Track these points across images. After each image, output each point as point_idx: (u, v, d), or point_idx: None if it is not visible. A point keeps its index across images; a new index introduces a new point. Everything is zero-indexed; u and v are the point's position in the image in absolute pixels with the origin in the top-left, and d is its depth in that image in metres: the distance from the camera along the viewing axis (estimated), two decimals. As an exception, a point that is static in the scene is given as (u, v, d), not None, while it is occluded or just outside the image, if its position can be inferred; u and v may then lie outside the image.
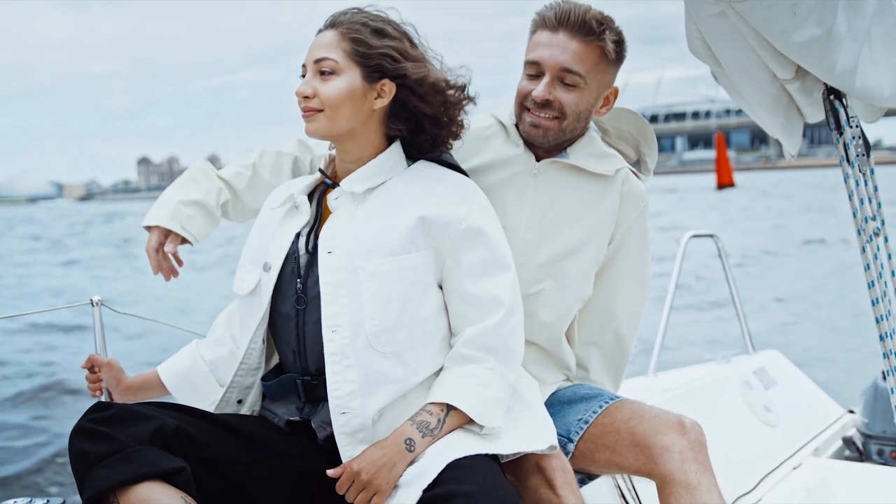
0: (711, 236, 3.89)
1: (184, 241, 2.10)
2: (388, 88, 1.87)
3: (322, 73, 1.85)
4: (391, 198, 1.89)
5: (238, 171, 2.21)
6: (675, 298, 3.75)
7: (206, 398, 2.19)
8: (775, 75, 1.79)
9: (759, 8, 1.51)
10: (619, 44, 2.05)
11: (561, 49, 2.00)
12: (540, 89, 2.02)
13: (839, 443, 3.79)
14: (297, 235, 1.92)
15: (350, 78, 1.84)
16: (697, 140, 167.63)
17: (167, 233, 2.06)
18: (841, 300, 12.97)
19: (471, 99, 1.97)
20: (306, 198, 1.96)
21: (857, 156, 1.92)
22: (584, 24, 1.99)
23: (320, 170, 2.01)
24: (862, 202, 1.93)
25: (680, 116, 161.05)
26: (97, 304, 2.26)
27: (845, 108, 1.90)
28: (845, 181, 1.91)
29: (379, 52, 1.84)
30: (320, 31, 1.91)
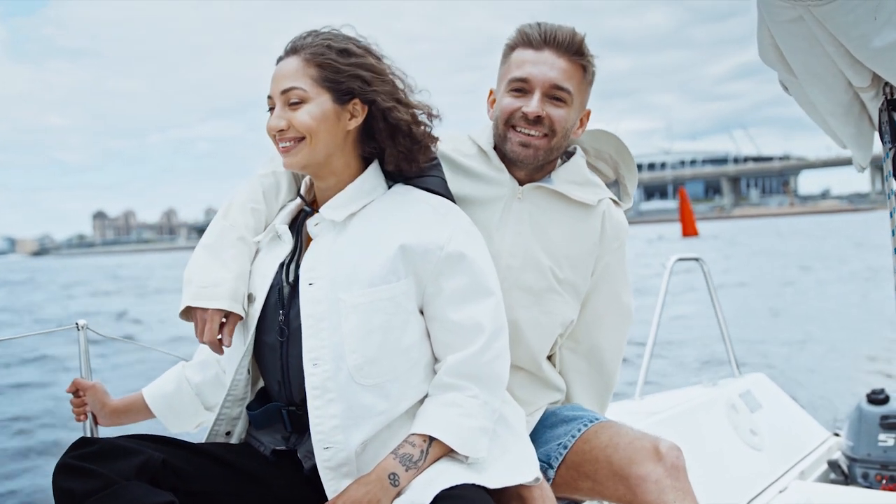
0: (697, 260, 3.89)
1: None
2: (361, 108, 1.83)
3: (291, 103, 1.79)
4: (371, 224, 1.84)
5: (254, 207, 2.00)
6: (661, 321, 3.73)
7: (192, 421, 2.15)
8: (850, 83, 1.75)
9: (839, 12, 1.46)
10: (594, 67, 2.07)
11: (549, 66, 2.00)
12: (533, 105, 2.00)
13: (825, 466, 3.78)
14: (282, 265, 1.87)
15: (320, 103, 1.79)
16: (653, 191, 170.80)
17: (227, 315, 1.84)
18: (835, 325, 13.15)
19: (435, 139, 1.94)
20: (286, 227, 1.92)
21: None
22: (571, 44, 2.00)
23: (301, 196, 1.96)
24: None
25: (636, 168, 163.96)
26: (83, 327, 2.20)
27: None
28: (889, 197, 1.85)
29: (347, 73, 1.80)
30: (281, 58, 1.84)
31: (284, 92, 1.79)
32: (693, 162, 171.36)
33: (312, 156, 1.81)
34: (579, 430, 2.06)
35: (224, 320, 1.83)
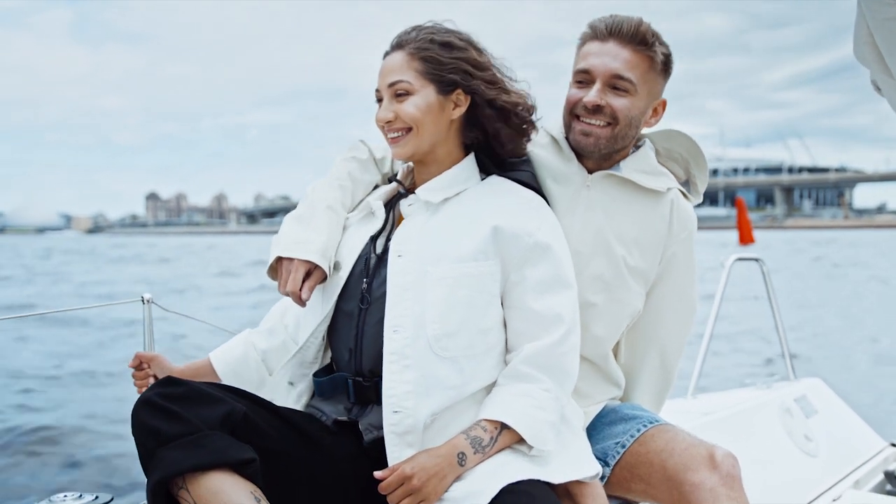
0: (757, 260, 3.84)
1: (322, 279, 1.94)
2: (464, 98, 1.91)
3: (398, 95, 1.88)
4: (465, 208, 1.91)
5: (341, 184, 2.10)
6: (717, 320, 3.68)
7: (256, 386, 2.19)
8: None
9: None
10: (668, 56, 2.08)
11: (612, 57, 2.02)
12: (592, 95, 2.03)
13: (881, 476, 3.69)
14: (372, 238, 1.94)
15: (425, 94, 1.88)
16: (704, 198, 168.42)
17: (312, 268, 1.90)
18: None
19: (534, 126, 2.01)
20: (381, 204, 1.99)
21: None
22: (636, 34, 2.02)
23: (397, 180, 2.04)
24: None
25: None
26: (148, 301, 2.27)
27: None
28: None
29: (451, 66, 1.87)
30: (387, 53, 1.93)
31: (391, 85, 1.89)
32: (746, 170, 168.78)
33: (419, 145, 1.90)
34: (638, 431, 2.06)
35: (307, 277, 1.89)
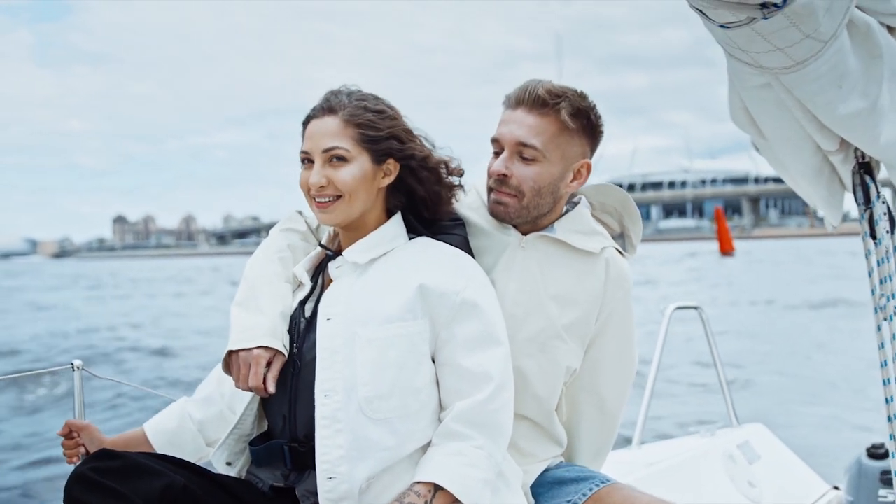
0: (696, 308, 3.88)
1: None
2: (394, 167, 1.92)
3: (333, 161, 1.86)
4: (392, 268, 1.91)
5: (281, 257, 2.08)
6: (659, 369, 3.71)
7: (193, 457, 2.17)
8: (819, 146, 1.76)
9: (805, 79, 1.46)
10: (581, 114, 2.04)
11: (518, 124, 2.02)
12: (497, 164, 2.04)
13: None
14: (300, 302, 1.95)
15: (361, 163, 1.87)
16: (672, 209, 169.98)
17: (272, 356, 1.87)
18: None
19: (461, 187, 2.04)
20: (305, 273, 1.99)
21: (886, 232, 1.86)
22: (538, 98, 2.01)
23: (322, 245, 2.04)
24: (882, 281, 1.86)
25: (657, 186, 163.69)
26: (78, 368, 2.23)
27: (875, 183, 1.87)
28: (867, 257, 1.84)
29: (386, 136, 1.88)
30: (316, 116, 1.90)
31: (326, 150, 1.86)
32: (713, 181, 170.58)
33: (349, 213, 1.90)
34: (591, 489, 2.06)
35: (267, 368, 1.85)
